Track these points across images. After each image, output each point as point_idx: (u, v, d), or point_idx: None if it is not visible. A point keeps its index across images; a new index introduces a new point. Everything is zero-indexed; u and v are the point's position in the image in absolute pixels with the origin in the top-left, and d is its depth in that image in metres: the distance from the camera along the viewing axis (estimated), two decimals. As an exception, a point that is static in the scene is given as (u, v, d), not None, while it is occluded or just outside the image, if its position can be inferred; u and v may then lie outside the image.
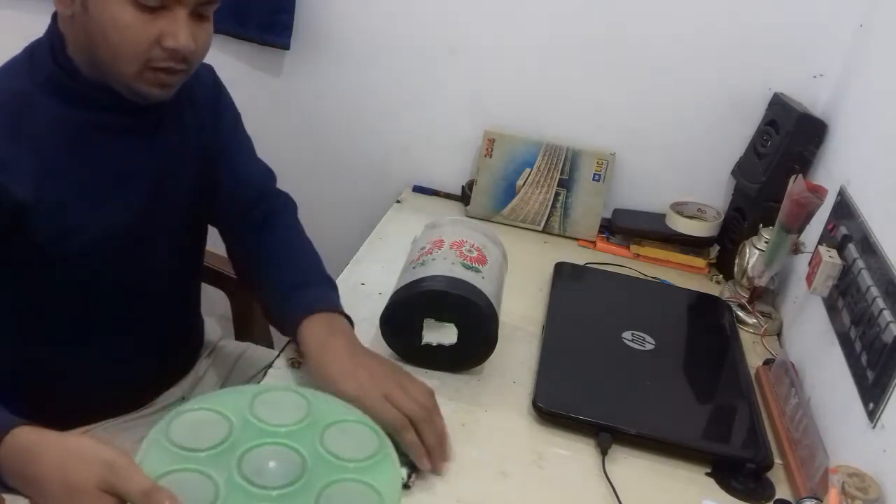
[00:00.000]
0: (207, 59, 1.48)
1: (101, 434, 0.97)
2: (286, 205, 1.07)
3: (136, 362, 1.00)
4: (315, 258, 1.00)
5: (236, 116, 1.07)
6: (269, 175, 1.09)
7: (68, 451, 0.66)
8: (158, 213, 0.94)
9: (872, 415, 0.82)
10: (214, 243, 1.11)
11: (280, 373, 0.92)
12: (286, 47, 1.42)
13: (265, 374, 0.93)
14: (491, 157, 1.38)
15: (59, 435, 0.68)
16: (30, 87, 0.83)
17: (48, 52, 0.84)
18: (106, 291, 0.93)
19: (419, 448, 0.79)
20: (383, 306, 0.95)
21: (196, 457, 0.70)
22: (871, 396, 0.83)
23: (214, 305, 1.30)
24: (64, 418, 0.81)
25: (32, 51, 0.86)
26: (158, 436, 0.72)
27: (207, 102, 1.00)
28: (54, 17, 0.85)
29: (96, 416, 0.98)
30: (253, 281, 1.01)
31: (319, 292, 0.93)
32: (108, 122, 0.87)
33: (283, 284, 0.95)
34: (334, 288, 0.96)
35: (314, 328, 0.87)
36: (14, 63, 0.86)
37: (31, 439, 0.67)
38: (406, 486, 0.78)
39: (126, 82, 0.83)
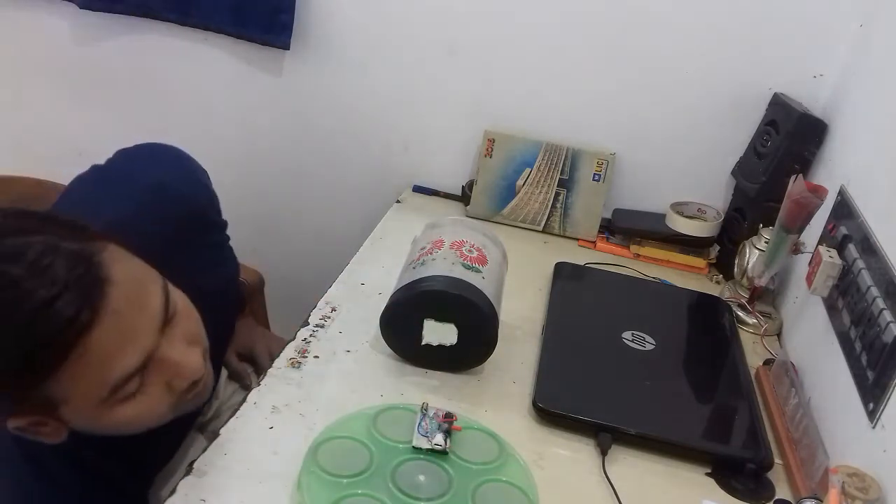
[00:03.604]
0: (208, 58, 1.50)
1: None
2: None
3: None
4: None
5: None
6: None
7: None
8: None
9: (872, 415, 0.82)
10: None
11: (281, 373, 0.92)
12: (286, 47, 1.42)
13: (265, 375, 0.93)
14: (491, 157, 1.38)
15: None
16: None
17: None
18: None
19: None
20: (383, 306, 0.95)
21: (357, 482, 0.75)
22: (871, 396, 0.83)
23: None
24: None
25: None
26: (312, 469, 0.75)
27: None
28: None
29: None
30: None
31: None
32: None
33: None
34: None
35: None
36: None
37: None
38: (444, 452, 0.80)
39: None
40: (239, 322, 1.17)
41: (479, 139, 1.40)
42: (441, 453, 0.80)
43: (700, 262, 1.34)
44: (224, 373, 1.15)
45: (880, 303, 0.86)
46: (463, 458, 0.80)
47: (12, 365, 0.63)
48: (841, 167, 1.13)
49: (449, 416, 0.83)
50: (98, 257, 0.66)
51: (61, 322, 0.62)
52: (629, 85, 1.34)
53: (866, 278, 0.91)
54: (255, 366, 1.15)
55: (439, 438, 0.80)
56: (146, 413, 0.72)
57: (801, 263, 1.13)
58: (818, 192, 1.04)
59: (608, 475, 0.85)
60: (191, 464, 0.78)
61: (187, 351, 0.74)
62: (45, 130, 1.65)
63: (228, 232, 1.18)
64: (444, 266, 0.93)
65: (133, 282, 0.69)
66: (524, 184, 1.38)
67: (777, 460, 0.90)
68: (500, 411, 0.92)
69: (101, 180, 0.88)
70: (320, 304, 1.07)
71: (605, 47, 1.32)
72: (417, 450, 0.80)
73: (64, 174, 0.92)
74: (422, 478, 0.77)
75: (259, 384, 0.90)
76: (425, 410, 0.83)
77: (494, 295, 0.95)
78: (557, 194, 1.38)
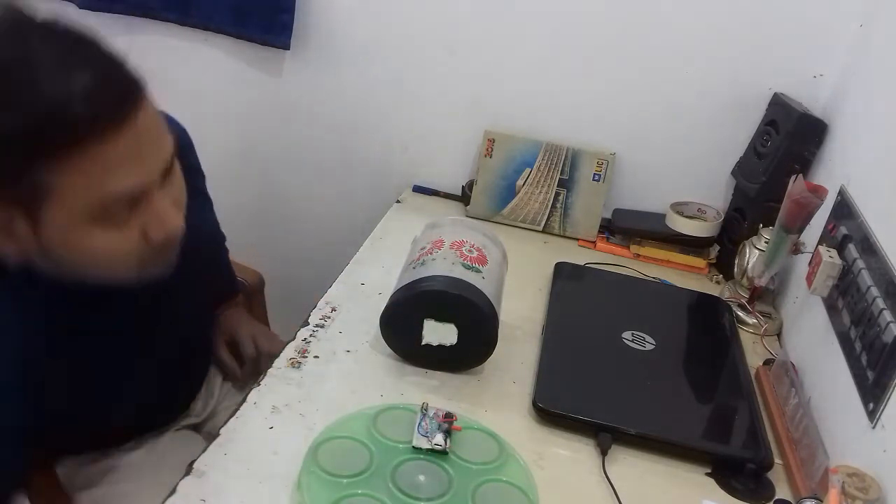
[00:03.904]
0: (208, 58, 1.49)
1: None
2: None
3: (162, 381, 0.97)
4: None
5: None
6: None
7: None
8: None
9: (872, 415, 0.82)
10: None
11: (280, 373, 0.92)
12: (286, 47, 1.42)
13: (265, 375, 0.93)
14: (491, 157, 1.38)
15: None
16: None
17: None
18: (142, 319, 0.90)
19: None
20: (383, 306, 0.95)
21: (357, 482, 0.75)
22: (871, 396, 0.83)
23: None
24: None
25: None
26: (312, 469, 0.75)
27: None
28: None
29: (123, 438, 0.99)
30: None
31: None
32: None
33: None
34: None
35: None
36: None
37: None
38: (444, 452, 0.80)
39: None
40: (227, 312, 1.16)
41: (479, 139, 1.40)
42: (441, 453, 0.80)
43: (700, 262, 1.34)
44: (221, 373, 1.16)
45: (880, 303, 0.86)
46: (463, 458, 0.80)
47: (31, 130, 0.64)
48: (841, 167, 1.13)
49: (449, 416, 0.83)
50: (142, 85, 0.72)
51: (97, 108, 0.65)
52: (629, 85, 1.34)
53: (866, 278, 0.91)
54: (239, 353, 1.14)
55: (439, 438, 0.80)
56: (115, 250, 0.73)
57: (801, 263, 1.14)
58: (818, 192, 1.04)
59: (608, 475, 0.85)
60: (191, 464, 0.78)
61: (172, 209, 0.76)
62: (45, 130, 1.65)
63: (228, 232, 1.18)
64: (444, 266, 0.93)
65: (157, 116, 0.73)
66: (524, 184, 1.38)
67: (777, 460, 0.90)
68: (500, 411, 0.92)
69: None
70: (320, 304, 1.07)
71: (605, 47, 1.32)
72: (417, 450, 0.80)
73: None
74: (422, 478, 0.77)
75: (259, 384, 0.90)
76: (425, 410, 0.83)
77: (494, 295, 0.95)
78: (557, 194, 1.38)
